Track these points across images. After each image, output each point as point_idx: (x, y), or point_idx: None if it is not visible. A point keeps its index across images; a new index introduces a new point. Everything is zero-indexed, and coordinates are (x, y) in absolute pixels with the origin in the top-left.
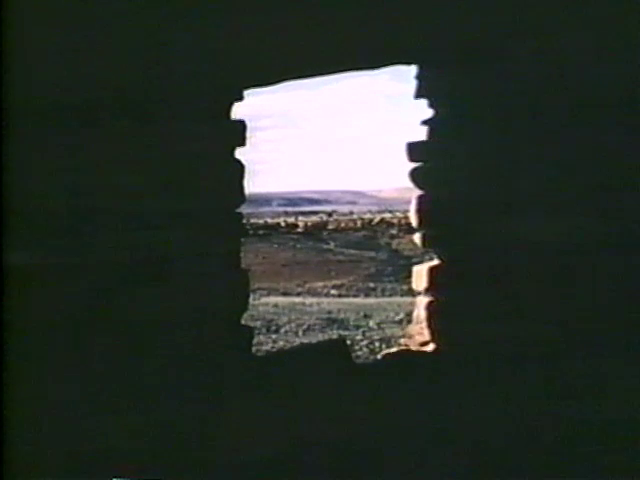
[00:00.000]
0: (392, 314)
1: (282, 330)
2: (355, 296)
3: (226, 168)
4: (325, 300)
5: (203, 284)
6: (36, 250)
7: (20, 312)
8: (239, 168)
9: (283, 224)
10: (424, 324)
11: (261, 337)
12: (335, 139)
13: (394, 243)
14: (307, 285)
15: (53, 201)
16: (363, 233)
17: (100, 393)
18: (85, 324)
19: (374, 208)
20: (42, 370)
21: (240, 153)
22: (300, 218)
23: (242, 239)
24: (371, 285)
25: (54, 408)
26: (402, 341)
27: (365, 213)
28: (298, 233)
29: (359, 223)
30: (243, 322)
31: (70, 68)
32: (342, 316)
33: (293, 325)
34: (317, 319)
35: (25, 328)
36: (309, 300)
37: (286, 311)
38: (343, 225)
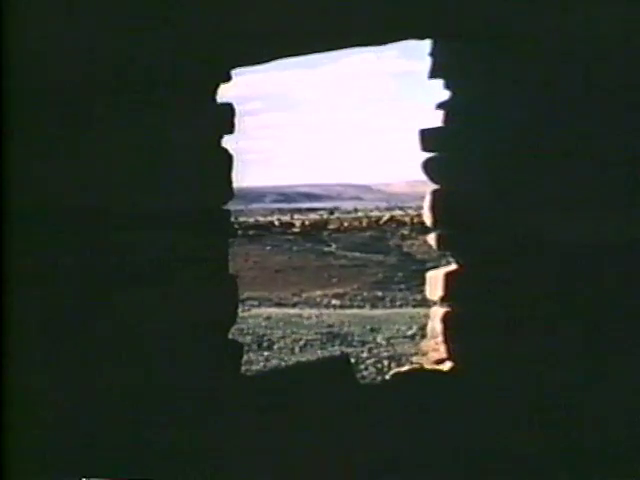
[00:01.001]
0: (403, 328)
1: (276, 346)
2: (360, 307)
3: (211, 159)
4: (325, 312)
5: (183, 292)
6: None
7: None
8: (226, 159)
9: (277, 223)
10: (440, 339)
11: (251, 354)
12: (337, 125)
13: (405, 245)
14: (304, 294)
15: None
16: (369, 234)
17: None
18: (61, 334)
19: (382, 205)
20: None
21: (227, 141)
22: (297, 216)
23: (230, 240)
24: (379, 294)
25: (54, 407)
26: (414, 359)
27: (372, 210)
28: (294, 233)
29: (365, 222)
30: (230, 337)
31: (45, 52)
32: (345, 330)
33: (288, 341)
34: (316, 334)
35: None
36: (307, 312)
37: (280, 324)
38: (346, 224)
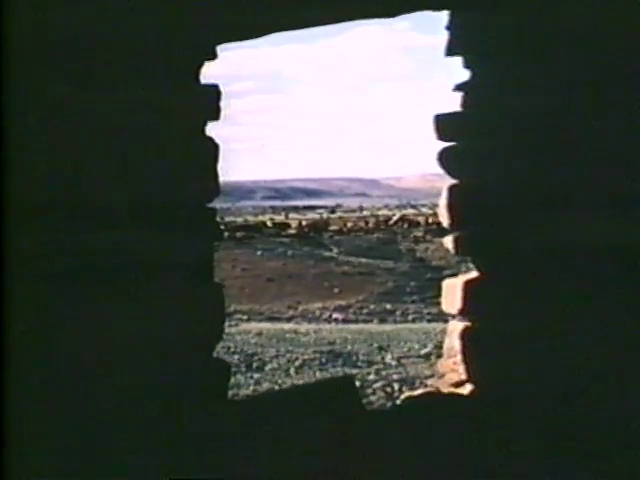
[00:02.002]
0: (416, 346)
1: (268, 367)
2: (366, 321)
3: (194, 149)
4: (326, 327)
5: (160, 304)
6: None
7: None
8: (211, 149)
9: (270, 224)
10: (459, 358)
11: (239, 377)
12: (338, 110)
13: (419, 249)
14: (301, 307)
15: None
16: (377, 236)
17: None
18: (22, 353)
19: (392, 202)
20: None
21: (212, 128)
22: (292, 216)
23: (215, 244)
24: (388, 307)
25: (53, 404)
26: (430, 382)
27: (380, 209)
28: (290, 236)
29: (372, 222)
30: (216, 356)
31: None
32: (349, 348)
33: (282, 361)
34: (315, 352)
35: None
36: (304, 327)
37: (273, 342)
38: (350, 225)
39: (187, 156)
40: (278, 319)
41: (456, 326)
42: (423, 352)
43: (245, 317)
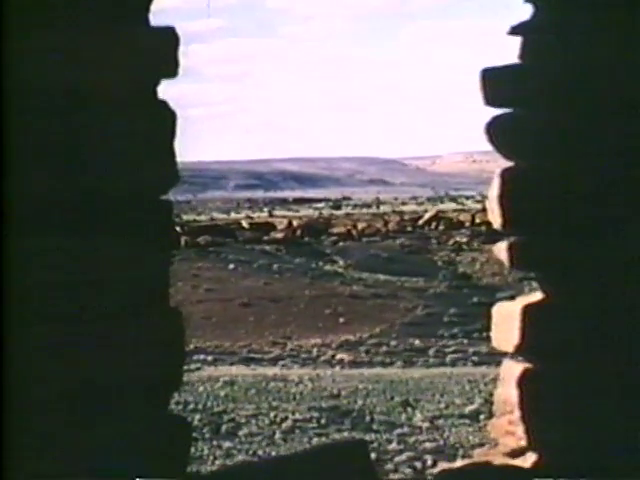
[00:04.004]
0: (457, 400)
1: (243, 432)
2: (385, 365)
3: (141, 118)
4: (327, 372)
5: (93, 337)
6: None
7: None
8: (165, 117)
9: (246, 224)
10: (516, 416)
11: (202, 445)
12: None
13: (462, 261)
14: (292, 343)
15: None
16: (401, 241)
17: None
18: None
19: (422, 193)
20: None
21: (167, 89)
22: (279, 212)
23: (169, 253)
24: (416, 343)
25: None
26: (477, 452)
27: (405, 203)
28: (275, 242)
29: (393, 222)
30: (170, 415)
31: None
32: (360, 404)
33: (264, 422)
34: (311, 410)
35: None
36: (296, 372)
37: (251, 395)
38: (363, 226)
39: (132, 128)
40: (258, 361)
41: (512, 370)
42: (468, 409)
43: (210, 358)
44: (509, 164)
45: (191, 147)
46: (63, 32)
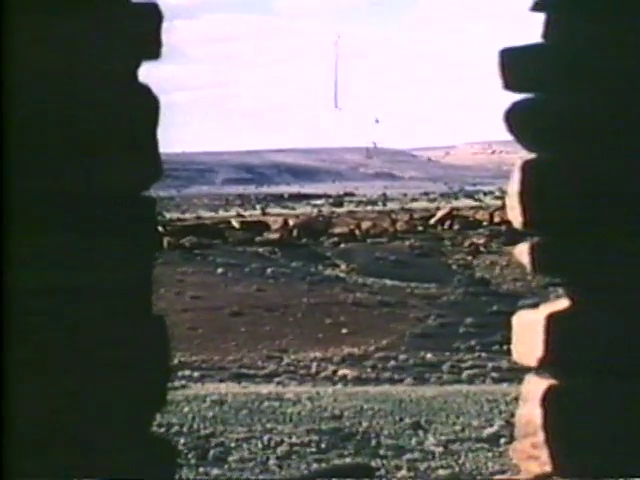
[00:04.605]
0: (475, 422)
1: (232, 457)
2: (393, 382)
3: (119, 105)
4: (328, 390)
5: (68, 348)
6: None
7: None
8: (147, 104)
9: (237, 224)
10: (541, 438)
11: (188, 472)
12: (345, 40)
13: (479, 264)
14: (288, 357)
15: None
16: (410, 242)
17: None
18: None
19: (435, 188)
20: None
21: (149, 72)
22: (273, 210)
23: (151, 256)
24: (427, 357)
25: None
26: (497, 478)
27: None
28: (269, 243)
29: (402, 221)
30: (152, 437)
31: None
32: (365, 425)
33: (257, 446)
34: (310, 433)
35: None
36: (293, 390)
37: (242, 415)
38: (367, 226)
39: (106, 116)
40: (250, 378)
41: (536, 387)
42: (486, 432)
43: (197, 374)
44: (532, 155)
45: (174, 136)
46: (31, 12)
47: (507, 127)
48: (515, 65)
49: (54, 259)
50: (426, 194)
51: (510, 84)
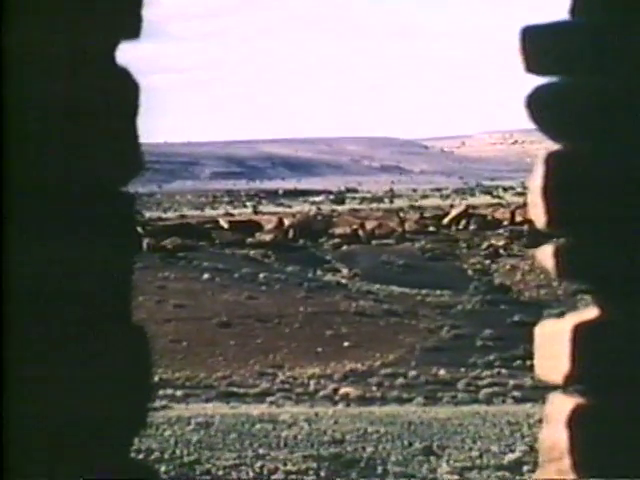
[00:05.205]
0: (494, 447)
1: None
2: (402, 401)
3: (95, 90)
4: (327, 411)
5: (39, 363)
6: None
7: None
8: (126, 90)
9: (225, 223)
10: (567, 463)
11: None
12: (350, 18)
13: (499, 269)
14: (282, 373)
15: None
16: (421, 244)
17: None
18: None
19: (448, 183)
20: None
21: (128, 52)
22: (267, 208)
23: (130, 259)
24: (440, 373)
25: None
26: None
27: (427, 196)
28: (262, 245)
29: (412, 220)
30: (133, 461)
31: None
32: (369, 451)
33: (248, 474)
34: (308, 459)
35: None
36: (289, 411)
37: (231, 439)
38: (372, 226)
39: (81, 103)
40: (240, 397)
41: (561, 406)
42: (507, 459)
43: (180, 393)
44: (558, 146)
45: (155, 125)
46: None
47: (529, 114)
48: (538, 45)
49: (20, 261)
50: (438, 190)
51: (532, 66)
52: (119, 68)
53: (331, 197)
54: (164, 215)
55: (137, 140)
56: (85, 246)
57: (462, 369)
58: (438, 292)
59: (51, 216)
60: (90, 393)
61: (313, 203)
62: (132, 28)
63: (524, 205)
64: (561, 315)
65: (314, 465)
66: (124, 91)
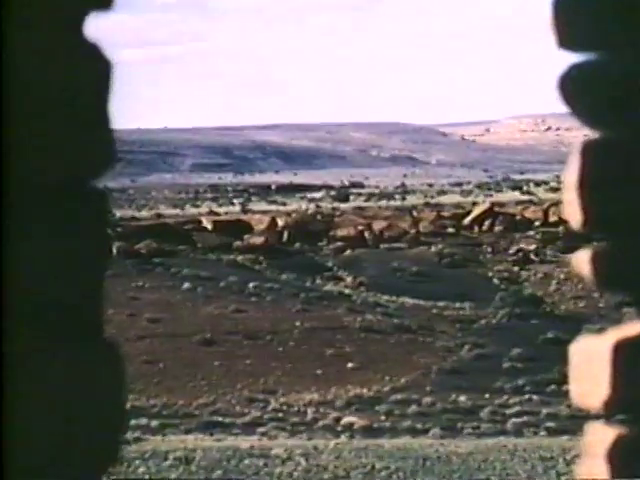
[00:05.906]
0: None
1: None
2: (415, 433)
3: (61, 68)
4: (328, 443)
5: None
6: None
7: None
8: (98, 67)
9: (209, 224)
10: None
11: None
12: None
13: (530, 277)
14: (275, 400)
15: None
16: (438, 249)
17: None
18: None
19: (469, 177)
20: None
21: (99, 26)
22: (257, 206)
23: (106, 263)
24: (461, 400)
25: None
26: None
27: (444, 192)
28: (251, 249)
29: (427, 220)
30: None
31: None
32: None
33: None
34: None
35: None
36: (283, 444)
37: (216, 476)
38: (381, 227)
39: (45, 86)
40: (227, 427)
41: (600, 437)
42: None
43: (156, 423)
44: (595, 135)
45: (128, 108)
46: None
47: (562, 96)
48: (572, 17)
49: None
50: (459, 185)
51: (566, 41)
52: (89, 44)
53: (332, 193)
54: (138, 214)
55: (109, 127)
56: (49, 250)
57: (486, 395)
58: (458, 304)
59: (8, 216)
60: (52, 422)
61: (311, 200)
62: None
63: (559, 202)
64: (602, 331)
65: None
66: (94, 70)
